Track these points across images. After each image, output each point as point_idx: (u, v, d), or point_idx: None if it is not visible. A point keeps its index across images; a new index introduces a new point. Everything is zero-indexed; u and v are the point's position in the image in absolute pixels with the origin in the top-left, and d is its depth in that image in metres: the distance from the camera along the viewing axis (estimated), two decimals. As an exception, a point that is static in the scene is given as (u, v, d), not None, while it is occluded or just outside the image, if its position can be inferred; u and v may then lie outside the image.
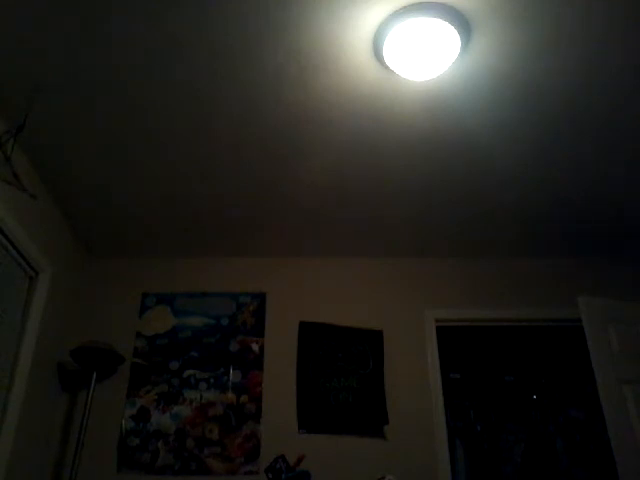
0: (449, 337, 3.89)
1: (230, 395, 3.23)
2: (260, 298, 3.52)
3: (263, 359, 3.33)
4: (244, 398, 3.22)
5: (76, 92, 2.38)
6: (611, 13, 2.04)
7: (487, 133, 2.63)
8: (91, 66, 2.25)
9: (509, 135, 2.65)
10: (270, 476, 3.01)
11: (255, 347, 3.36)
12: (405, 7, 2.02)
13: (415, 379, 3.28)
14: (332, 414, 3.18)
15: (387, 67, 2.25)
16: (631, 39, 2.15)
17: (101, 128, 2.59)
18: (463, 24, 2.07)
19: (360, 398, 3.21)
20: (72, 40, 2.14)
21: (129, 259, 3.65)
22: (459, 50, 2.15)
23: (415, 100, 2.45)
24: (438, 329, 3.45)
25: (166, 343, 3.37)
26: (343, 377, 3.27)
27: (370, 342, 3.38)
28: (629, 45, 2.17)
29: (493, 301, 3.51)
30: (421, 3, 2.01)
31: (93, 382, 3.06)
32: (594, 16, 2.06)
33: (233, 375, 3.28)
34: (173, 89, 2.38)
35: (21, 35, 2.12)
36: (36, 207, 2.85)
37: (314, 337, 3.39)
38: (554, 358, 4.60)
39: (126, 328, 3.41)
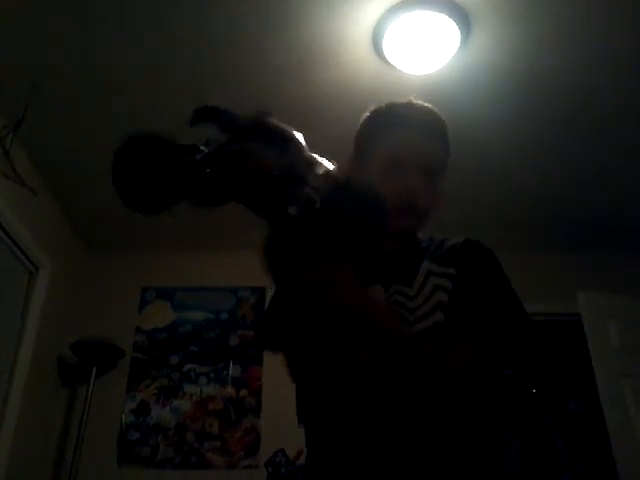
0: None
1: (230, 389, 3.23)
2: (259, 292, 3.51)
3: (262, 353, 3.33)
4: (244, 392, 3.23)
5: (76, 92, 2.37)
6: (611, 12, 2.03)
7: (486, 127, 2.63)
8: (91, 66, 2.24)
9: (508, 130, 2.64)
10: (270, 470, 3.01)
11: (255, 341, 3.37)
12: (404, 1, 2.01)
13: (414, 373, 3.28)
14: (332, 408, 3.18)
15: (387, 61, 2.24)
16: (631, 38, 2.14)
17: (101, 125, 2.58)
18: (463, 18, 2.06)
19: (360, 392, 3.22)
20: (72, 40, 2.13)
21: (129, 254, 3.64)
22: (459, 44, 2.15)
23: (414, 94, 2.43)
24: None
25: (166, 337, 3.38)
26: (343, 371, 3.27)
27: (370, 336, 3.38)
28: (629, 44, 2.16)
29: (493, 296, 3.50)
30: (421, -3, 2.00)
31: (93, 376, 3.06)
32: (594, 13, 2.05)
33: (233, 369, 3.29)
34: (173, 87, 2.37)
35: (21, 35, 2.11)
36: (36, 202, 2.84)
37: (314, 331, 3.39)
38: (553, 352, 4.60)
39: (126, 322, 3.41)
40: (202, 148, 0.75)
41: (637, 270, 3.55)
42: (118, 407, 3.18)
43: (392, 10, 2.03)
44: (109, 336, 3.26)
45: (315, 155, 0.79)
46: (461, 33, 2.10)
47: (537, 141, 2.71)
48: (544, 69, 2.30)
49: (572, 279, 3.51)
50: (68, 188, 3.03)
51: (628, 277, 3.52)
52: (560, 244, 3.57)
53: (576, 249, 3.61)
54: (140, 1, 1.99)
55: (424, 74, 2.32)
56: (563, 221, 3.34)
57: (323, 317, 0.86)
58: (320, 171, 0.76)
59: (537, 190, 3.07)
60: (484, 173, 2.94)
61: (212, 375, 3.27)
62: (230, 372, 3.28)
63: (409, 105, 1.20)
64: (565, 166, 2.88)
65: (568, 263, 3.60)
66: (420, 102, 1.20)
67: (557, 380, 4.43)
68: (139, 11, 2.02)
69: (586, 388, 4.20)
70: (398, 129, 1.13)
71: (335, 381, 1.01)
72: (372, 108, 1.23)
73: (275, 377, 3.25)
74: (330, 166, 0.77)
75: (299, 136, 0.80)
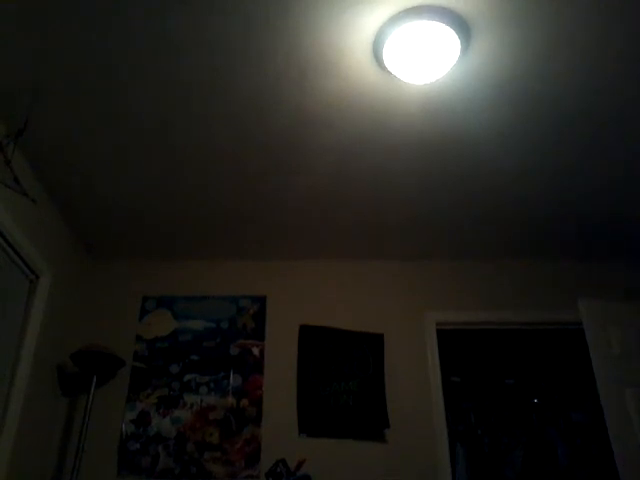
0: (450, 340, 3.90)
1: (230, 399, 3.22)
2: (260, 301, 3.52)
3: (263, 363, 3.33)
4: (244, 402, 3.21)
5: (76, 93, 2.38)
6: (611, 17, 2.04)
7: (487, 136, 2.64)
8: (91, 66, 2.25)
9: (508, 138, 2.65)
10: (270, 480, 3.00)
11: (255, 351, 3.36)
12: (405, 10, 2.02)
13: (416, 382, 3.27)
14: (333, 418, 3.17)
15: (387, 70, 2.25)
16: (631, 43, 2.15)
17: (101, 130, 2.59)
18: (463, 27, 2.07)
19: (361, 402, 3.21)
20: (72, 40, 2.14)
21: (129, 262, 3.65)
22: (459, 53, 2.16)
23: (415, 103, 2.45)
24: (439, 332, 3.44)
25: (166, 347, 3.37)
26: (344, 381, 3.27)
27: (371, 345, 3.37)
28: (628, 50, 2.18)
29: (494, 304, 3.50)
30: (421, 6, 2.01)
31: (93, 386, 3.05)
32: (594, 21, 2.06)
33: (233, 379, 3.28)
34: (173, 91, 2.38)
35: (21, 37, 2.12)
36: (36, 211, 2.85)
37: (314, 340, 3.39)
38: (555, 361, 4.59)
39: (126, 331, 3.41)
40: None
41: (638, 277, 3.55)
42: (118, 417, 3.17)
43: (393, 19, 2.04)
44: (109, 345, 3.26)
45: None
46: (461, 42, 2.11)
47: (538, 149, 2.72)
48: (545, 77, 2.31)
49: (573, 286, 3.52)
50: (69, 196, 3.04)
51: (629, 284, 3.52)
52: (561, 251, 3.57)
53: (577, 256, 3.61)
54: (140, 1, 2.00)
55: (424, 83, 2.34)
56: (564, 228, 3.34)
57: None
58: None
59: (538, 198, 3.07)
60: (484, 181, 2.95)
61: (212, 385, 3.26)
62: (231, 382, 3.27)
63: None
64: (566, 172, 2.88)
65: (569, 270, 3.61)
66: None
67: (559, 389, 4.42)
68: (139, 11, 2.03)
69: (588, 397, 4.19)
70: None
71: None
72: None
73: (276, 387, 3.25)
74: None
75: None
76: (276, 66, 2.26)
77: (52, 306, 3.05)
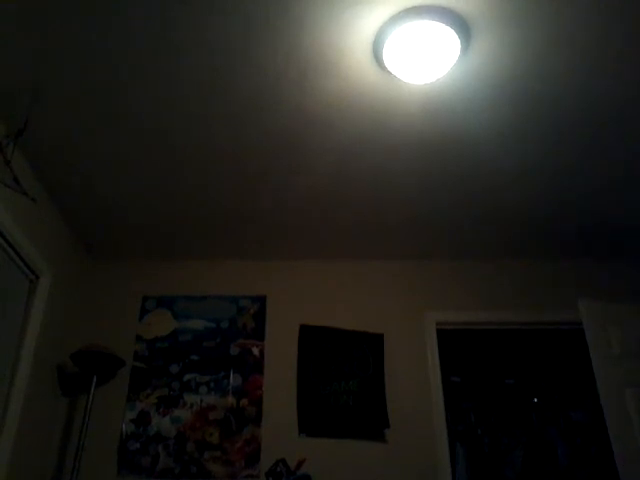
0: (450, 340, 3.90)
1: (230, 399, 3.22)
2: (260, 301, 3.52)
3: (263, 362, 3.33)
4: (244, 402, 3.22)
5: (76, 93, 2.38)
6: (611, 17, 2.04)
7: (487, 136, 2.64)
8: (91, 66, 2.26)
9: (509, 138, 2.65)
10: (270, 480, 3.00)
11: (255, 350, 3.36)
12: (405, 10, 2.02)
13: (416, 382, 3.28)
14: (333, 418, 3.17)
15: (387, 70, 2.25)
16: (631, 43, 2.15)
17: (101, 130, 2.60)
18: (463, 27, 2.07)
19: (361, 401, 3.21)
20: (72, 40, 2.14)
21: (129, 262, 3.65)
22: (459, 53, 2.16)
23: (415, 103, 2.45)
24: (439, 332, 3.44)
25: (166, 346, 3.37)
26: (344, 380, 3.27)
27: (371, 345, 3.37)
28: (628, 50, 2.18)
29: (494, 304, 3.51)
30: (421, 6, 2.01)
31: (93, 386, 3.05)
32: (594, 21, 2.06)
33: (233, 379, 3.28)
34: (173, 91, 2.38)
35: (21, 37, 2.12)
36: (36, 211, 2.86)
37: (315, 340, 3.39)
38: (555, 361, 4.59)
39: (126, 331, 3.41)
40: None
41: (638, 277, 3.55)
42: (118, 416, 3.17)
43: (393, 19, 2.04)
44: (109, 345, 3.26)
45: None
46: (461, 42, 2.11)
47: (538, 149, 2.72)
48: (545, 77, 2.31)
49: (573, 287, 3.52)
50: (69, 196, 3.04)
51: (629, 284, 3.52)
52: (561, 251, 3.57)
53: (577, 256, 3.61)
54: (140, 2, 2.00)
55: (424, 83, 2.34)
56: (564, 228, 3.34)
57: None
58: None
59: (538, 197, 3.07)
60: (484, 181, 2.95)
61: (212, 384, 3.26)
62: (231, 381, 3.27)
63: None
64: (566, 173, 2.88)
65: (569, 271, 3.61)
66: None
67: (559, 389, 4.42)
68: (139, 12, 2.03)
69: (588, 396, 4.19)
70: None
71: None
72: None
73: (276, 386, 3.25)
74: None
75: None
76: (276, 66, 2.26)
77: (52, 306, 3.05)
